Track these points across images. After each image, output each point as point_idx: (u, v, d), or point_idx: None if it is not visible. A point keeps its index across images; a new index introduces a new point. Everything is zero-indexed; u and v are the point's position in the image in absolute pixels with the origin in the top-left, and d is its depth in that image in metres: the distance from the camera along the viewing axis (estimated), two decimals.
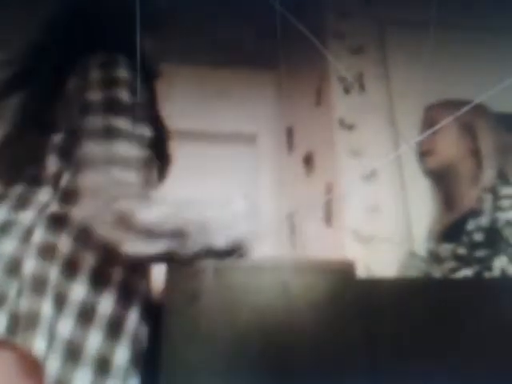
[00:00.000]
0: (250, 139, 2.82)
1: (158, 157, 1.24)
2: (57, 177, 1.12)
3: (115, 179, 1.04)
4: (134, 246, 1.02)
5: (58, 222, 1.07)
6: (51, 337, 0.97)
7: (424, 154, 1.71)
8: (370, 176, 2.16)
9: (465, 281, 1.40)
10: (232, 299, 1.02)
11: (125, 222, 1.02)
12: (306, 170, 2.47)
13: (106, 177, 1.04)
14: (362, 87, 2.35)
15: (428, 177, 1.71)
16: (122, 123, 1.11)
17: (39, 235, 1.05)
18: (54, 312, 0.99)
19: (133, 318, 1.07)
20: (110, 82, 1.15)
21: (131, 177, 1.06)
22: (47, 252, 1.03)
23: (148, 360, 1.06)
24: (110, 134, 1.09)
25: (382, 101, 2.34)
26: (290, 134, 2.70)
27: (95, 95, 1.14)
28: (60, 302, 1.01)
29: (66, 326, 1.00)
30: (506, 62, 2.12)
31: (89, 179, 1.05)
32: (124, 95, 1.14)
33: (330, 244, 2.18)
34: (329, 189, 2.26)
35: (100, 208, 1.03)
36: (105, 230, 1.03)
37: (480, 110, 1.65)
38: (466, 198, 1.60)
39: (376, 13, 2.51)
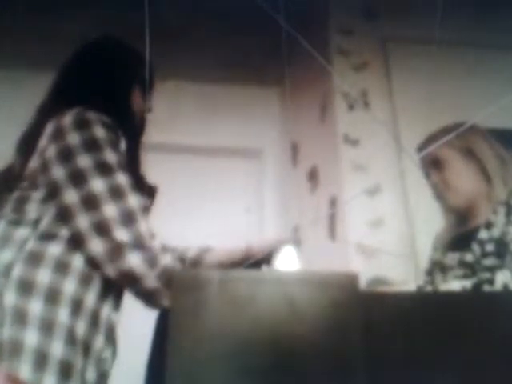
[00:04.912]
0: (255, 154, 2.84)
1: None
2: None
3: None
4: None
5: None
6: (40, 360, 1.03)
7: (441, 192, 1.68)
8: (374, 190, 2.18)
9: (466, 295, 1.40)
10: (236, 310, 1.04)
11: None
12: (311, 185, 2.49)
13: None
14: (365, 103, 2.37)
15: (451, 213, 1.69)
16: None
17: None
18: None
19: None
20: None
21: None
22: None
23: (153, 369, 1.08)
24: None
25: (386, 117, 2.36)
26: (294, 149, 2.72)
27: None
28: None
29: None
30: (508, 81, 2.14)
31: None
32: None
33: (333, 257, 2.19)
34: (333, 203, 2.28)
35: None
36: None
37: (474, 129, 1.65)
38: (480, 213, 1.60)
39: (380, 30, 2.53)
